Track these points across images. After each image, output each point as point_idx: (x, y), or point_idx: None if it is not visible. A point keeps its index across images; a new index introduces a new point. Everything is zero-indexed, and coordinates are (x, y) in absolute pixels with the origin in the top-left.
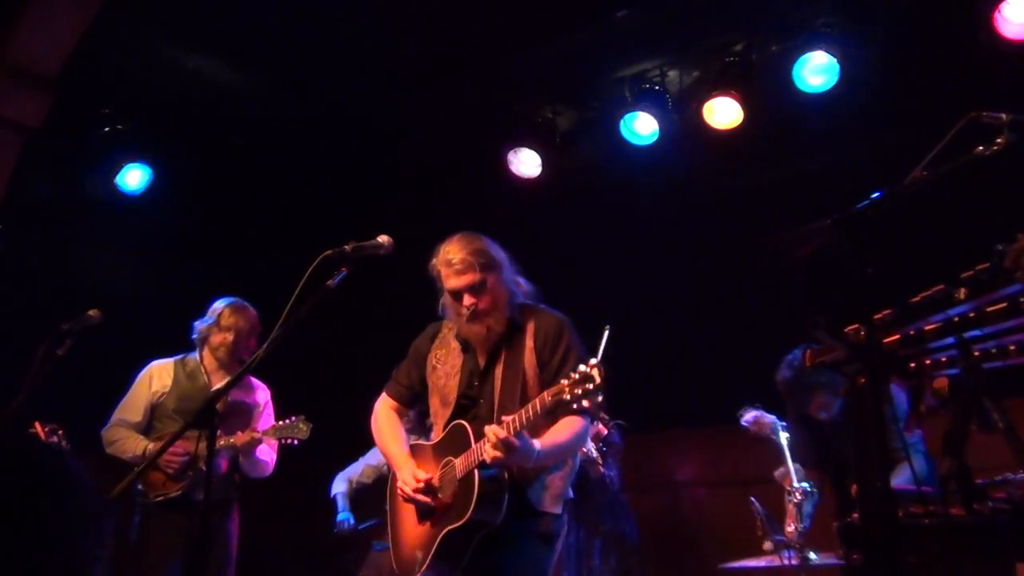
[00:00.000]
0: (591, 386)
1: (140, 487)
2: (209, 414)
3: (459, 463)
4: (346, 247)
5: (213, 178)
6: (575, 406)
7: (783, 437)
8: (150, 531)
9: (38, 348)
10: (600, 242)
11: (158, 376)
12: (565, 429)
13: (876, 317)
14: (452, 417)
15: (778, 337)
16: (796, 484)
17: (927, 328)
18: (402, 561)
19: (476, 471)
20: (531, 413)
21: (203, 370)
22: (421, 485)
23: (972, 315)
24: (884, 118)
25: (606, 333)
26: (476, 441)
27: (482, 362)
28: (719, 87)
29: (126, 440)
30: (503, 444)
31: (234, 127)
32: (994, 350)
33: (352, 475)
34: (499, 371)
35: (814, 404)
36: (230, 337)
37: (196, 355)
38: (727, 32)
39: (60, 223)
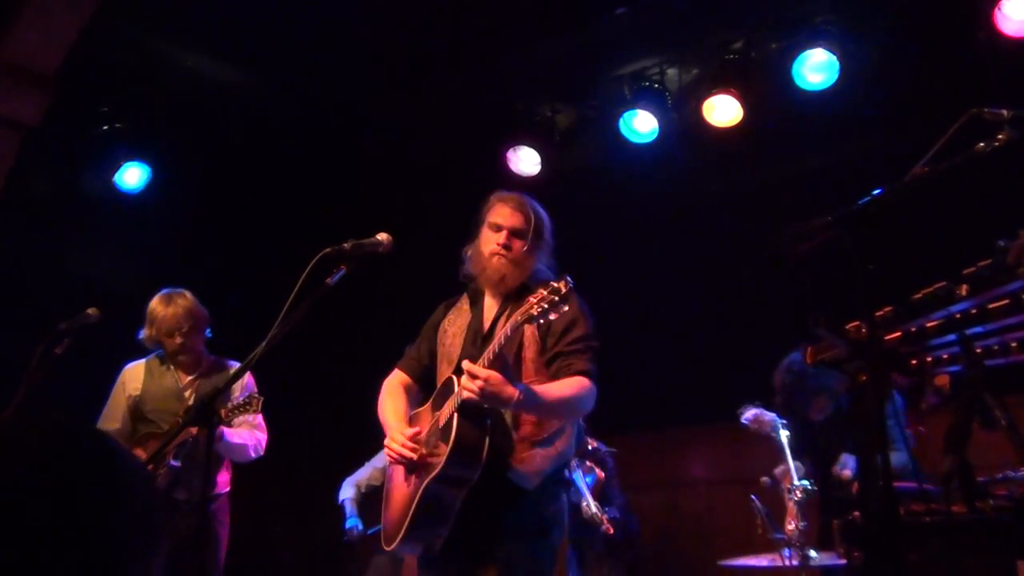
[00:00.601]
0: (556, 297)
1: None
2: (207, 412)
3: (442, 412)
4: (345, 245)
5: (212, 176)
6: (542, 321)
7: (783, 435)
8: None
9: (36, 347)
10: (599, 240)
11: (130, 379)
12: (563, 384)
13: (877, 314)
14: None
15: (778, 335)
16: (796, 482)
17: (929, 325)
18: (388, 530)
19: (455, 415)
20: (502, 339)
21: (171, 368)
22: (407, 441)
23: (974, 312)
24: (885, 115)
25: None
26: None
27: (487, 323)
28: (719, 85)
29: None
30: (471, 373)
31: (233, 125)
32: (996, 347)
33: (360, 480)
34: (500, 331)
35: (815, 407)
36: (169, 334)
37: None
38: (726, 30)
39: (58, 222)
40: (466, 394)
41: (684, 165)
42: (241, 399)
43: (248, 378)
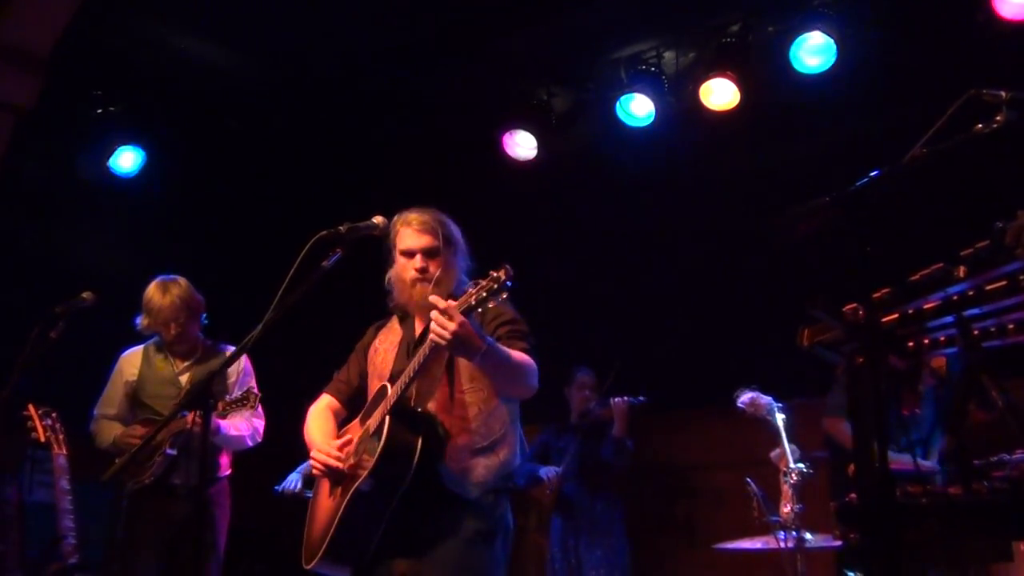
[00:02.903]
0: (496, 285)
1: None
2: (202, 397)
3: (373, 419)
4: (341, 228)
5: (207, 160)
6: (480, 309)
7: (779, 418)
8: (133, 521)
9: (31, 331)
10: (596, 224)
11: (127, 366)
12: (516, 353)
13: (875, 296)
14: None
15: (775, 318)
16: (792, 465)
17: (926, 307)
18: (310, 545)
19: (387, 417)
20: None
21: (167, 355)
22: (333, 451)
23: (971, 293)
24: (882, 98)
25: (614, 372)
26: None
27: (418, 334)
28: (716, 68)
29: (102, 431)
30: (447, 313)
31: (228, 108)
32: (993, 328)
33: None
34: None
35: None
36: (166, 324)
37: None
38: (724, 13)
39: (53, 205)
40: (435, 336)
41: (681, 149)
42: (238, 393)
43: (246, 363)
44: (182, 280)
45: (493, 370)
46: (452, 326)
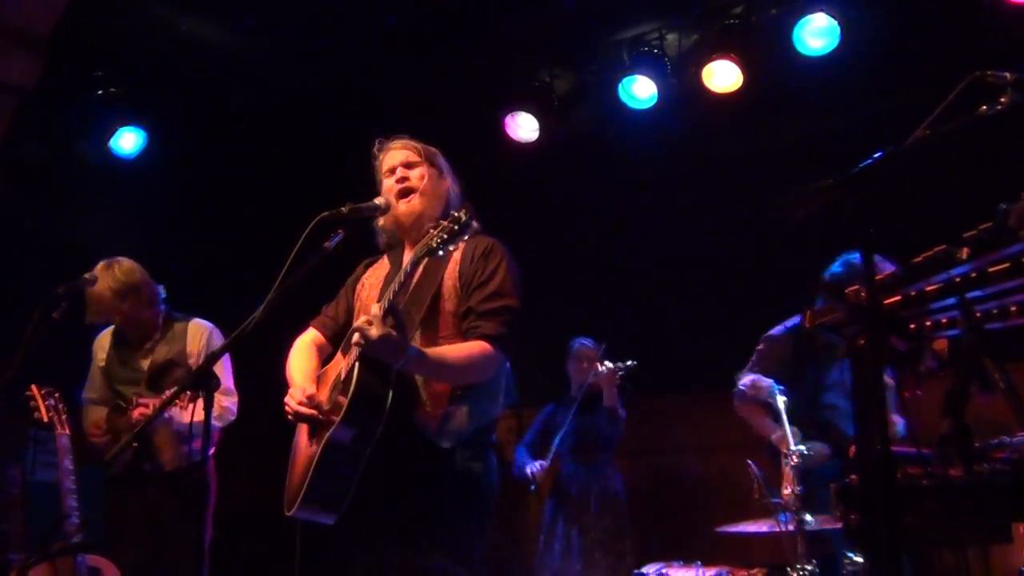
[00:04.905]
0: (456, 226)
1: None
2: (206, 380)
3: (345, 363)
4: (343, 208)
5: (208, 141)
6: (441, 252)
7: (780, 401)
8: (115, 509)
9: (33, 312)
10: (598, 206)
11: (99, 349)
12: (461, 348)
13: (877, 278)
14: None
15: (777, 301)
16: (793, 447)
17: (928, 289)
18: (289, 494)
19: (357, 364)
20: (402, 276)
21: (125, 339)
22: (304, 398)
23: (974, 275)
24: (885, 80)
25: (602, 348)
26: None
27: (405, 263)
28: (718, 50)
29: (88, 416)
30: (367, 322)
31: (229, 89)
32: (995, 311)
33: None
34: (416, 279)
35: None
36: (109, 314)
37: None
38: None
39: (54, 186)
40: (356, 337)
41: (683, 131)
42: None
43: (214, 339)
44: (123, 263)
45: (422, 374)
46: (372, 335)
